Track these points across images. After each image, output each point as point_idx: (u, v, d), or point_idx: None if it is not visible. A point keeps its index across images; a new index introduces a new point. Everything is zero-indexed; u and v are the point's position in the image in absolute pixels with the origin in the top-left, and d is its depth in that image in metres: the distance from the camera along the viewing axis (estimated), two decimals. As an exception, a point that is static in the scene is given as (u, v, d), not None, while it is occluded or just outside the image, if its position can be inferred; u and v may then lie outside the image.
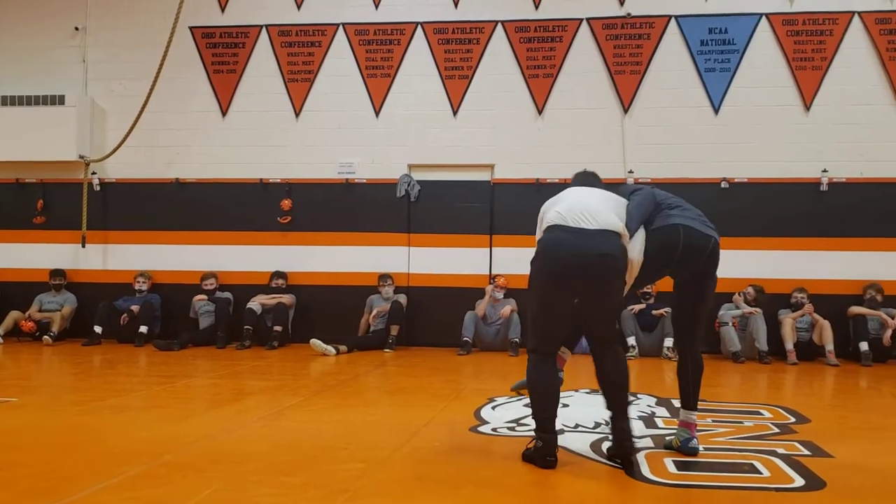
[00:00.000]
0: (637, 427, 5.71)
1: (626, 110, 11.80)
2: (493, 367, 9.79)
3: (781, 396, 8.33)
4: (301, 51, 12.41)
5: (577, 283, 4.73)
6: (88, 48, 12.73)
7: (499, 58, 12.07)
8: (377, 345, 11.28)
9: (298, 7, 12.44)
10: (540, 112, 11.94)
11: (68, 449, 5.14)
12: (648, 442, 5.44)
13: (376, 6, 12.31)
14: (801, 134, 11.46)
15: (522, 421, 6.17)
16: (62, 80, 12.57)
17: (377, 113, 12.25)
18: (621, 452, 4.79)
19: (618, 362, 4.91)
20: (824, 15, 11.51)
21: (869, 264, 11.19)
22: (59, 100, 12.26)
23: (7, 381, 8.33)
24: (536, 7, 12.02)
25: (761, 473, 4.71)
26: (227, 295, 11.95)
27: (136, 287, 12.03)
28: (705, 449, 5.19)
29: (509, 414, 6.49)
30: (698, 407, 5.24)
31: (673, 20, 11.78)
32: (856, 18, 11.45)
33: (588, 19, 11.91)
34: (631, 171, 11.40)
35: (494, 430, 5.88)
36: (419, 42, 12.23)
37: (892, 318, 10.61)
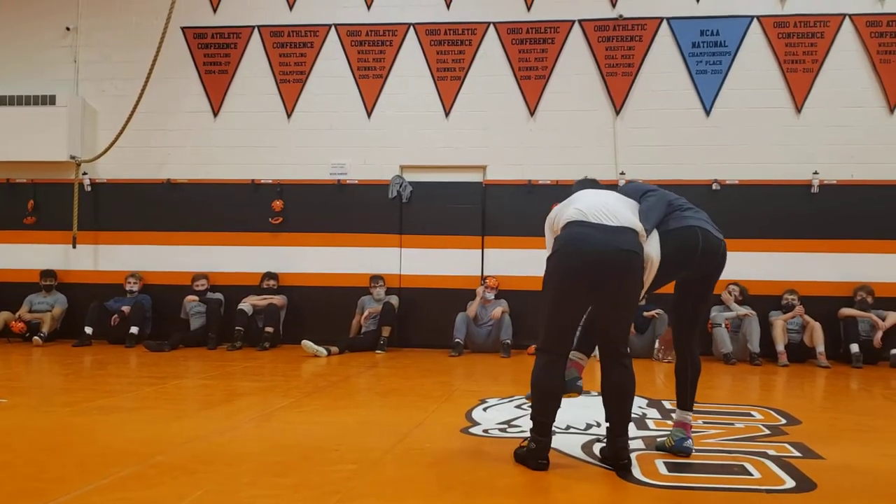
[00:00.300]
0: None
1: (617, 112, 11.81)
2: (485, 369, 9.79)
3: (772, 398, 8.35)
4: (293, 51, 12.40)
5: (598, 278, 4.64)
6: (80, 48, 12.70)
7: (491, 59, 12.08)
8: (368, 346, 11.27)
9: (290, 8, 12.43)
10: (532, 113, 11.95)
11: (58, 450, 5.12)
12: (640, 443, 5.43)
13: (368, 7, 12.31)
14: (793, 136, 11.49)
15: (514, 422, 6.17)
16: (53, 81, 12.55)
17: (369, 114, 12.25)
18: (617, 465, 4.77)
19: (627, 375, 4.85)
20: (815, 17, 11.54)
21: (860, 266, 11.23)
22: (50, 100, 12.23)
23: (-3, 382, 8.31)
24: (528, 8, 12.03)
25: (752, 475, 4.71)
26: (219, 296, 11.94)
27: (127, 288, 12.01)
28: (697, 451, 5.19)
29: (501, 415, 6.48)
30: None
31: (665, 22, 11.80)
32: (847, 21, 11.48)
33: (580, 21, 11.93)
34: (623, 173, 11.41)
35: (486, 431, 5.87)
36: (411, 43, 12.23)
37: (883, 320, 10.64)
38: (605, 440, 4.99)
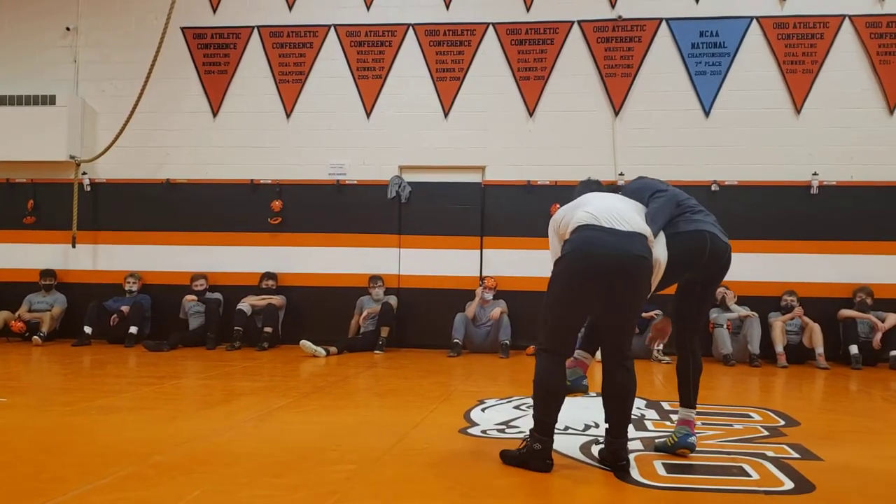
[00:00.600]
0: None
1: (616, 113, 11.81)
2: (484, 369, 9.78)
3: (771, 399, 8.35)
4: (292, 52, 12.40)
5: (609, 282, 4.64)
6: (80, 48, 12.71)
7: (490, 60, 12.08)
8: (367, 346, 11.27)
9: (290, 8, 12.43)
10: (531, 114, 11.95)
11: (57, 450, 5.12)
12: (638, 445, 5.43)
13: (368, 8, 12.31)
14: (792, 137, 11.50)
15: (512, 423, 6.17)
16: (53, 81, 12.56)
17: (368, 114, 12.25)
18: (616, 466, 4.77)
19: (629, 377, 4.87)
20: (815, 18, 11.54)
21: (859, 267, 11.24)
22: (49, 100, 12.24)
23: (-4, 382, 8.31)
24: (528, 9, 12.03)
25: (751, 476, 4.71)
26: (217, 296, 11.94)
27: (126, 288, 12.01)
28: (695, 452, 5.19)
29: (499, 416, 6.48)
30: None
31: (664, 23, 11.80)
32: (846, 22, 11.49)
33: (579, 22, 11.93)
34: (622, 174, 11.41)
35: (484, 432, 5.87)
36: (411, 44, 12.23)
37: (882, 322, 10.64)
38: (603, 441, 4.99)
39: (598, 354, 5.18)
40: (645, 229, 4.81)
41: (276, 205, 12.20)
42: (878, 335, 10.57)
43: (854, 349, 10.50)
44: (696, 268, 5.08)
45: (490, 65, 12.08)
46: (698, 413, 5.36)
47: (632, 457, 4.96)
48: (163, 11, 11.44)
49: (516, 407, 6.91)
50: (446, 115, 12.10)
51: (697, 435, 5.32)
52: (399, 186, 12.03)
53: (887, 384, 9.27)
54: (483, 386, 8.29)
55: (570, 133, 11.82)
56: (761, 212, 11.37)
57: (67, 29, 12.66)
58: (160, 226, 12.43)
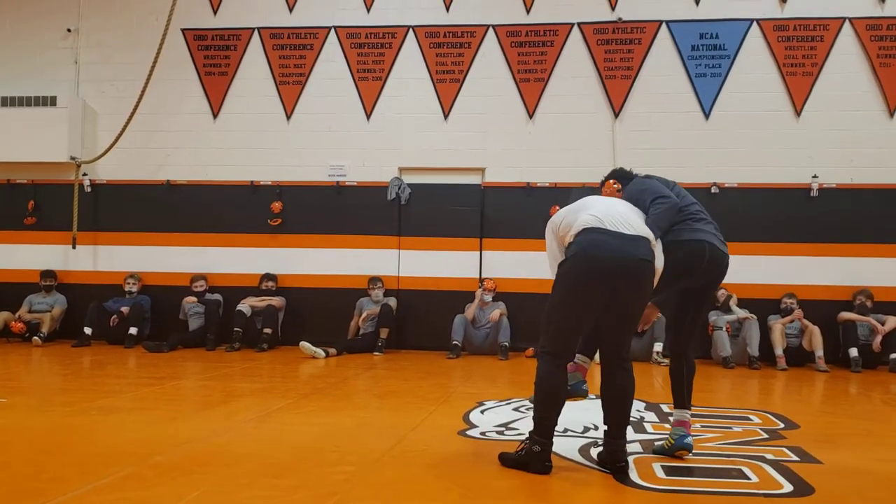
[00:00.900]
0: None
1: (616, 115, 11.82)
2: (483, 371, 9.79)
3: (771, 402, 8.35)
4: (293, 53, 12.41)
5: (614, 285, 4.66)
6: (80, 49, 12.71)
7: (490, 62, 12.08)
8: (367, 348, 11.27)
9: (290, 10, 12.44)
10: (531, 116, 11.95)
11: (57, 450, 5.13)
12: (637, 447, 5.44)
13: (368, 9, 12.32)
14: (792, 139, 11.50)
15: (511, 425, 6.17)
16: (54, 81, 12.56)
17: (368, 116, 12.26)
18: (615, 468, 4.78)
19: (629, 379, 4.89)
20: (815, 21, 11.54)
21: (859, 270, 11.23)
22: (50, 101, 12.24)
23: (-5, 383, 8.31)
24: (528, 11, 12.03)
25: (750, 479, 4.71)
26: (217, 297, 11.95)
27: (126, 288, 12.01)
28: (694, 454, 5.20)
29: (498, 418, 6.48)
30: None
31: (664, 25, 11.81)
32: (846, 24, 11.49)
33: (579, 24, 11.94)
34: (622, 176, 11.39)
35: (483, 433, 5.88)
36: (411, 45, 12.23)
37: (882, 325, 10.64)
38: (602, 443, 4.99)
39: (597, 356, 5.18)
40: (648, 233, 4.83)
41: (276, 206, 12.20)
42: (878, 338, 10.57)
43: (854, 352, 10.49)
44: (693, 276, 5.09)
45: (490, 67, 12.08)
46: (697, 415, 5.38)
47: (631, 459, 4.96)
48: (163, 13, 11.43)
49: (515, 409, 6.91)
50: (446, 116, 12.11)
51: (696, 437, 5.33)
52: (399, 188, 12.04)
53: (887, 387, 9.27)
54: (482, 388, 8.30)
55: (570, 135, 11.82)
56: (761, 214, 11.38)
57: (69, 30, 12.67)
58: (160, 227, 12.43)
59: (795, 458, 5.25)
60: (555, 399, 4.78)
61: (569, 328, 4.80)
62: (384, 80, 12.25)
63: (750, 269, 10.96)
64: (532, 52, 11.98)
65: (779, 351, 10.59)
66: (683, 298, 5.26)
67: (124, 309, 11.66)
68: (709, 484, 4.63)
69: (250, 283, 12.00)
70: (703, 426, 6.19)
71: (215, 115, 12.49)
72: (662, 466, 4.95)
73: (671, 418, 5.35)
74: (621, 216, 4.83)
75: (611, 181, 5.64)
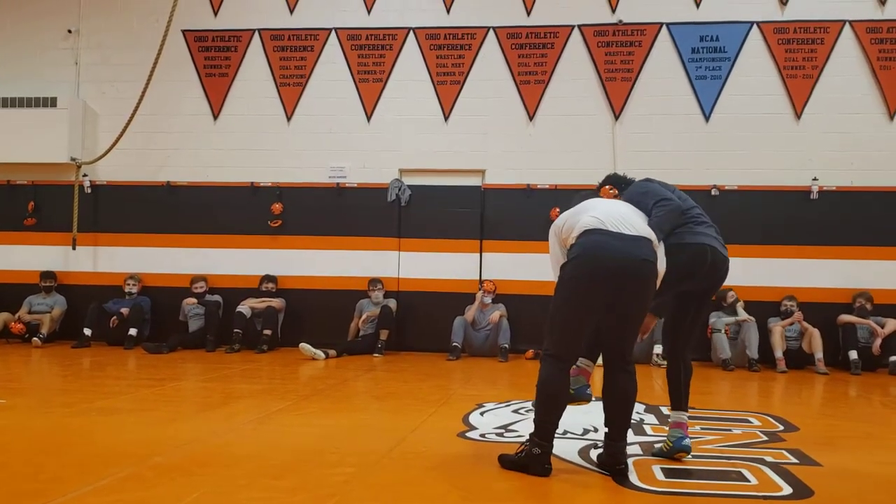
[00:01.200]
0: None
1: (616, 117, 11.83)
2: (483, 373, 9.78)
3: (770, 404, 8.35)
4: (293, 55, 12.42)
5: (617, 286, 4.66)
6: (81, 50, 12.72)
7: (490, 64, 12.09)
8: (366, 349, 11.28)
9: (291, 11, 12.45)
10: (531, 118, 11.96)
11: (56, 451, 5.13)
12: (637, 449, 5.43)
13: (369, 11, 12.33)
14: (792, 142, 11.51)
15: (511, 427, 6.17)
16: (54, 82, 12.57)
17: (369, 118, 12.27)
18: (614, 470, 4.78)
19: (631, 381, 4.89)
20: (815, 23, 11.55)
21: (859, 273, 11.24)
22: (51, 102, 12.25)
23: (-5, 383, 8.31)
24: (528, 14, 12.04)
25: (749, 481, 4.71)
26: (217, 298, 11.95)
27: (126, 289, 12.01)
28: (694, 456, 5.19)
29: (498, 420, 6.48)
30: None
31: (664, 27, 11.82)
32: (847, 27, 11.50)
33: (580, 26, 11.95)
34: (622, 178, 11.40)
35: (483, 435, 5.87)
36: (411, 47, 12.24)
37: (882, 327, 10.64)
38: (601, 445, 4.99)
39: (600, 360, 5.18)
40: (650, 234, 4.82)
41: (277, 207, 12.21)
42: (878, 341, 10.57)
43: (853, 354, 10.50)
44: (695, 279, 5.09)
45: (490, 69, 12.09)
46: (696, 418, 5.38)
47: (630, 461, 4.95)
48: (164, 14, 11.42)
49: (515, 411, 6.91)
50: (446, 118, 12.12)
51: (696, 440, 5.33)
52: (399, 190, 12.04)
53: (887, 389, 9.28)
54: (482, 389, 8.30)
55: (570, 137, 11.83)
56: (761, 216, 11.39)
57: (69, 31, 12.67)
58: (160, 228, 12.43)
59: (795, 460, 5.25)
60: (556, 402, 4.78)
61: (571, 330, 4.79)
62: (385, 81, 12.26)
63: (750, 271, 10.97)
64: (532, 54, 11.99)
65: (778, 353, 10.59)
66: (683, 300, 5.26)
67: (124, 310, 11.66)
68: (708, 486, 4.62)
69: (250, 284, 12.00)
70: (702, 428, 6.20)
71: (216, 117, 12.50)
72: (662, 468, 4.95)
73: (669, 420, 5.35)
74: (623, 217, 4.83)
75: (607, 187, 5.64)
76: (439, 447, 5.41)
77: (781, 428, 6.44)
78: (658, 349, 10.64)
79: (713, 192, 11.43)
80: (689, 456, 5.17)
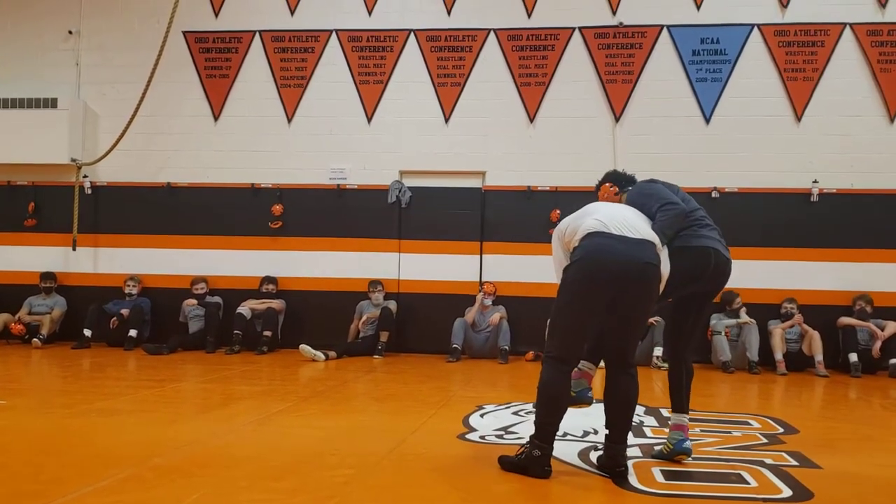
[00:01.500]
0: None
1: (617, 119, 11.82)
2: (483, 375, 9.78)
3: (770, 407, 8.35)
4: (294, 56, 12.42)
5: (619, 288, 4.67)
6: (82, 51, 12.71)
7: (491, 65, 12.09)
8: (366, 351, 11.28)
9: (292, 13, 12.45)
10: (531, 120, 11.96)
11: (56, 452, 5.13)
12: (636, 451, 5.43)
13: (369, 13, 12.33)
14: (792, 144, 11.51)
15: (511, 429, 6.17)
16: (55, 83, 12.56)
17: (369, 119, 12.26)
18: (614, 472, 4.78)
19: (633, 384, 4.89)
20: (816, 26, 11.55)
21: (859, 275, 11.24)
22: (51, 103, 12.24)
23: (-5, 384, 8.31)
24: (529, 16, 12.04)
25: (749, 484, 4.72)
26: (217, 299, 11.95)
27: (126, 291, 12.01)
28: (694, 459, 5.19)
29: (498, 422, 6.48)
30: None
31: (665, 30, 11.81)
32: (847, 30, 11.50)
33: (580, 28, 11.94)
34: (622, 180, 11.39)
35: (482, 437, 5.87)
36: (412, 49, 12.24)
37: (882, 330, 10.63)
38: (601, 447, 4.99)
39: (602, 363, 5.19)
40: (653, 237, 4.83)
41: (277, 209, 12.21)
42: (878, 343, 10.56)
43: (853, 357, 10.49)
44: (699, 282, 5.09)
45: (491, 71, 12.09)
46: (697, 420, 5.38)
47: (630, 463, 4.96)
48: (165, 15, 11.43)
49: (515, 413, 6.91)
50: (447, 120, 12.11)
51: (696, 442, 5.33)
52: (399, 191, 12.04)
53: (887, 392, 9.28)
54: (482, 391, 8.30)
55: (571, 139, 11.83)
56: (761, 219, 11.38)
57: (70, 32, 12.67)
58: (160, 229, 12.43)
59: (795, 462, 5.25)
60: (557, 404, 4.78)
61: (573, 332, 4.80)
62: (385, 83, 12.26)
63: (750, 273, 10.93)
64: (533, 57, 11.99)
65: (778, 356, 10.59)
66: (684, 302, 5.26)
67: (124, 311, 11.66)
68: (708, 488, 4.62)
69: (250, 285, 12.00)
70: (702, 430, 6.20)
71: (216, 118, 12.50)
72: (662, 471, 4.95)
73: (669, 422, 5.35)
74: (626, 220, 4.84)
75: (607, 184, 5.64)
76: (439, 449, 5.42)
77: (781, 430, 6.44)
78: (658, 351, 10.64)
79: (713, 194, 11.43)
80: (690, 458, 5.17)
